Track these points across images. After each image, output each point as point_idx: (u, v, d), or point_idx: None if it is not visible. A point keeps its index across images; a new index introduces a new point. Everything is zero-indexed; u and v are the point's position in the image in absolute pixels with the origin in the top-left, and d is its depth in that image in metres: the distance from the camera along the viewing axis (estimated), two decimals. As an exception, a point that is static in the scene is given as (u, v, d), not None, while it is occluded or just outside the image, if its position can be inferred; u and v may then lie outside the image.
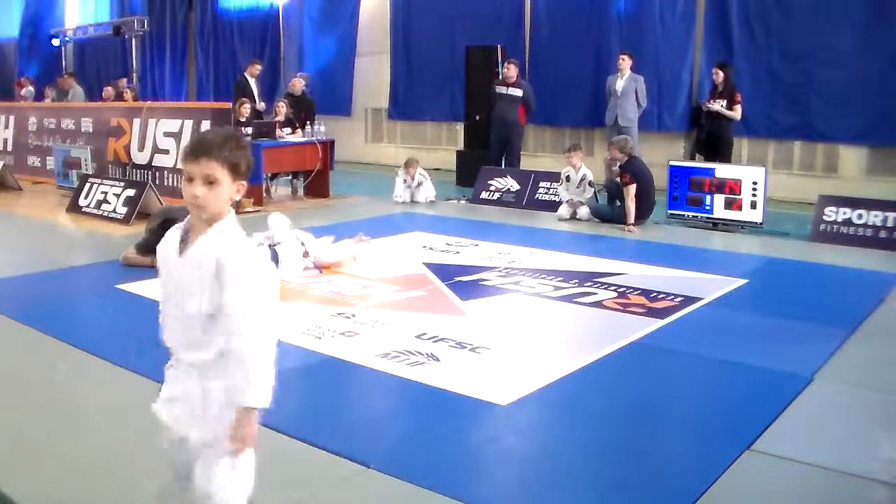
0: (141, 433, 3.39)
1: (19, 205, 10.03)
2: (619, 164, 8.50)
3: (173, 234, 2.05)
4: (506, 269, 6.40)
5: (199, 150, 1.94)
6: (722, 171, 8.53)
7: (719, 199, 8.41)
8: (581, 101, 12.23)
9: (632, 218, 8.22)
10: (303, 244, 6.35)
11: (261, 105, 11.88)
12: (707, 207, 8.50)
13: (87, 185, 9.13)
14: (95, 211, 8.74)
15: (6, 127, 12.77)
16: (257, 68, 12.41)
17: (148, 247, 6.35)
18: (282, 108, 11.04)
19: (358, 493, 2.90)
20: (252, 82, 12.03)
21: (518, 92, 10.73)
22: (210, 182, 1.93)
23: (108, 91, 14.78)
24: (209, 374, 2.02)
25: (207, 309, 1.98)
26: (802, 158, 10.61)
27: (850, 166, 10.23)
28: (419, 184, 9.69)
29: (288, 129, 10.52)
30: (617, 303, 5.43)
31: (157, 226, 6.30)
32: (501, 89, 10.74)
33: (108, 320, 5.19)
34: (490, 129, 11.04)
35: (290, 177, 10.79)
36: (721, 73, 9.43)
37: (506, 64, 10.79)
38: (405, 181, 9.75)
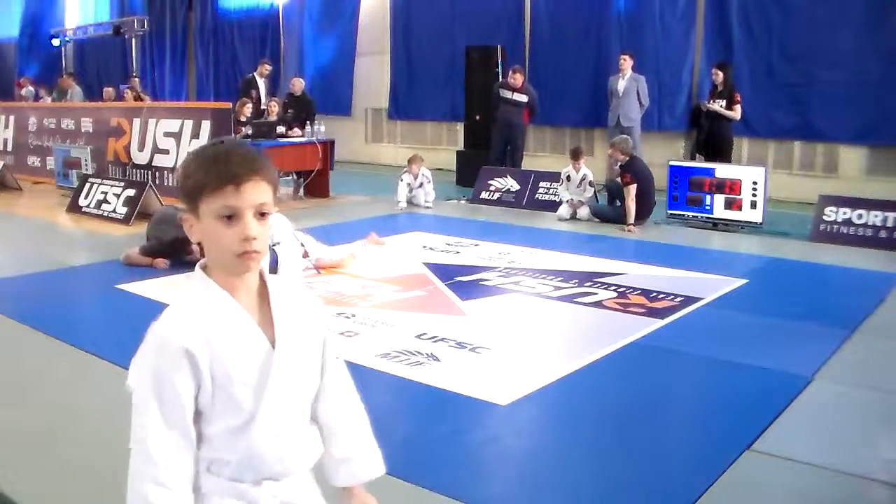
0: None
1: (19, 205, 10.02)
2: (619, 164, 8.50)
3: (236, 324, 1.38)
4: (506, 269, 6.40)
5: (244, 169, 1.34)
6: (722, 171, 8.53)
7: (719, 199, 8.41)
8: (581, 102, 12.23)
9: (632, 218, 8.21)
10: (302, 245, 6.34)
11: (264, 101, 11.94)
12: (707, 207, 8.50)
13: (87, 185, 9.13)
14: (95, 211, 8.74)
15: (6, 127, 12.77)
16: (267, 68, 12.51)
17: (153, 252, 6.37)
18: (274, 108, 11.04)
19: (358, 493, 2.89)
20: (261, 82, 12.11)
21: (523, 98, 10.75)
22: (262, 213, 1.37)
23: (109, 91, 14.78)
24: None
25: (316, 386, 1.53)
26: (802, 158, 10.61)
27: (850, 166, 10.23)
28: (421, 184, 9.60)
29: (282, 129, 10.47)
30: (617, 303, 5.43)
31: (171, 240, 6.27)
32: (506, 93, 10.74)
33: (108, 320, 5.20)
34: (492, 130, 11.04)
35: (291, 176, 10.79)
36: (721, 74, 9.43)
37: (511, 73, 10.76)
38: (408, 183, 9.59)
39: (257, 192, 1.35)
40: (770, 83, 10.55)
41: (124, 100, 14.14)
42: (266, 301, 1.42)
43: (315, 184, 10.29)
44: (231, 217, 1.34)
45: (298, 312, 1.46)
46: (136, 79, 15.96)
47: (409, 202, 9.52)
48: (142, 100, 13.99)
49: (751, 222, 8.25)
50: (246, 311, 1.39)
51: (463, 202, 10.26)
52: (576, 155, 8.98)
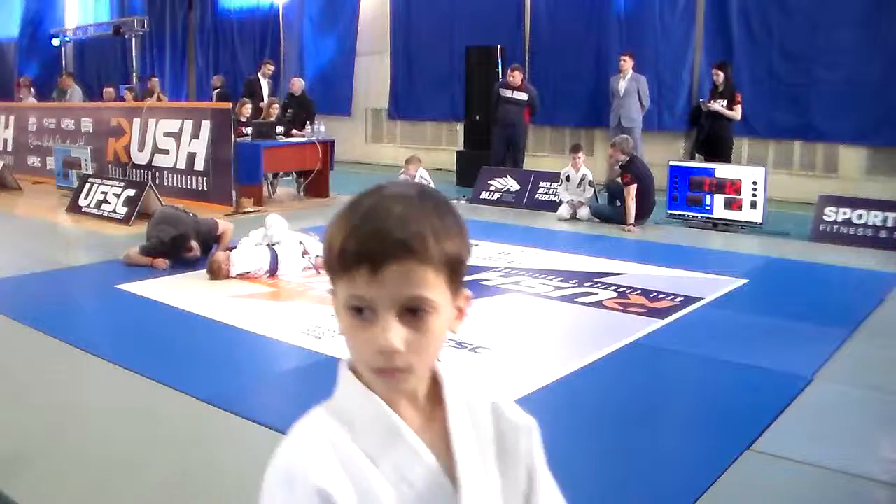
0: (140, 433, 3.40)
1: (19, 205, 10.03)
2: (619, 164, 8.50)
3: (396, 449, 0.92)
4: (506, 269, 6.40)
5: (391, 241, 0.86)
6: (722, 171, 8.52)
7: (719, 199, 8.41)
8: (581, 101, 12.23)
9: (632, 218, 8.21)
10: (301, 243, 6.35)
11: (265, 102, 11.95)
12: (707, 207, 8.49)
13: (87, 185, 9.13)
14: (95, 211, 8.74)
15: (6, 127, 12.77)
16: (269, 68, 12.54)
17: (153, 252, 6.37)
18: (274, 110, 11.03)
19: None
20: (264, 82, 12.13)
21: (524, 96, 10.74)
22: (419, 310, 0.88)
23: (109, 91, 14.74)
24: None
25: None
26: (802, 158, 10.61)
27: (850, 166, 10.23)
28: None
29: (280, 129, 10.44)
30: (617, 303, 5.43)
31: (171, 239, 6.30)
32: (507, 93, 10.74)
33: (108, 320, 5.20)
34: (493, 131, 11.04)
35: (291, 176, 10.79)
36: (721, 74, 9.42)
37: (511, 71, 10.77)
38: None
39: (407, 279, 0.86)
40: (770, 83, 10.54)
41: (124, 100, 14.13)
42: (440, 412, 0.97)
43: (315, 184, 10.29)
44: (363, 312, 0.88)
45: (491, 428, 1.00)
46: (156, 79, 15.76)
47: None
48: (161, 100, 13.93)
49: (751, 222, 8.24)
50: (410, 427, 0.93)
51: (463, 202, 10.25)
52: (575, 149, 9.00)
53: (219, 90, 13.47)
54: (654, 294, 5.62)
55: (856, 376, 4.09)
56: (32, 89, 15.93)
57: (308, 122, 10.86)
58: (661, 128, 11.46)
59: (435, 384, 0.98)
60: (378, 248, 0.86)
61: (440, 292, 0.89)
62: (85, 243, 7.62)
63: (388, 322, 0.87)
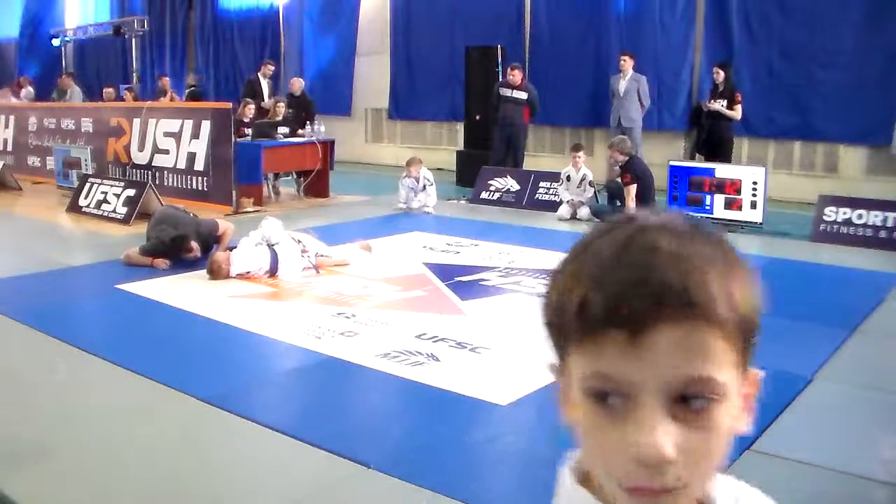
0: (140, 433, 3.40)
1: (19, 205, 10.03)
2: (619, 164, 8.51)
3: None
4: (506, 269, 6.40)
5: (654, 295, 0.58)
6: (722, 171, 8.52)
7: (719, 199, 8.41)
8: (581, 101, 12.23)
9: (632, 218, 8.20)
10: (299, 242, 6.35)
11: (268, 102, 11.95)
12: (707, 207, 8.49)
13: (87, 185, 9.13)
14: (95, 211, 8.74)
15: (6, 127, 12.76)
16: (270, 69, 12.58)
17: (153, 252, 6.37)
18: (281, 109, 11.03)
19: (358, 493, 2.90)
20: (264, 83, 12.16)
21: (523, 95, 10.74)
22: (699, 398, 0.60)
23: (109, 92, 14.74)
24: None
25: None
26: (802, 158, 10.60)
27: (850, 166, 10.23)
28: (424, 186, 9.42)
29: (286, 129, 10.44)
30: (617, 303, 5.42)
31: (171, 240, 6.29)
32: (506, 92, 10.74)
33: (108, 320, 5.20)
34: (493, 131, 11.04)
35: (291, 176, 10.79)
36: (722, 73, 9.43)
37: (510, 70, 10.78)
38: (410, 187, 9.31)
39: (687, 352, 0.59)
40: (770, 83, 10.54)
41: (124, 100, 14.11)
42: None
43: (315, 184, 10.29)
44: (610, 398, 0.61)
45: None
46: (167, 78, 15.53)
47: (411, 205, 9.37)
48: (173, 100, 13.85)
49: (751, 222, 8.24)
50: None
51: (463, 202, 10.26)
52: (576, 148, 9.01)
53: (192, 89, 13.34)
54: (654, 294, 5.61)
55: (856, 376, 4.09)
56: (29, 88, 15.90)
57: (308, 122, 10.87)
58: (661, 128, 11.45)
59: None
60: (643, 301, 0.58)
61: (729, 371, 0.61)
62: (85, 243, 7.62)
63: (653, 417, 0.59)
